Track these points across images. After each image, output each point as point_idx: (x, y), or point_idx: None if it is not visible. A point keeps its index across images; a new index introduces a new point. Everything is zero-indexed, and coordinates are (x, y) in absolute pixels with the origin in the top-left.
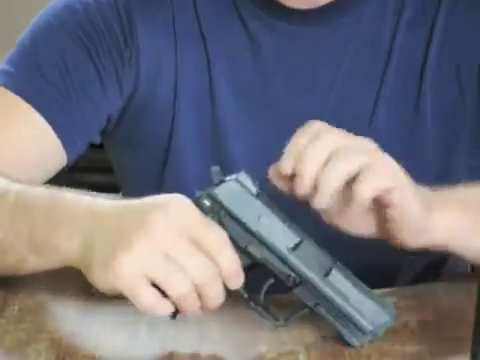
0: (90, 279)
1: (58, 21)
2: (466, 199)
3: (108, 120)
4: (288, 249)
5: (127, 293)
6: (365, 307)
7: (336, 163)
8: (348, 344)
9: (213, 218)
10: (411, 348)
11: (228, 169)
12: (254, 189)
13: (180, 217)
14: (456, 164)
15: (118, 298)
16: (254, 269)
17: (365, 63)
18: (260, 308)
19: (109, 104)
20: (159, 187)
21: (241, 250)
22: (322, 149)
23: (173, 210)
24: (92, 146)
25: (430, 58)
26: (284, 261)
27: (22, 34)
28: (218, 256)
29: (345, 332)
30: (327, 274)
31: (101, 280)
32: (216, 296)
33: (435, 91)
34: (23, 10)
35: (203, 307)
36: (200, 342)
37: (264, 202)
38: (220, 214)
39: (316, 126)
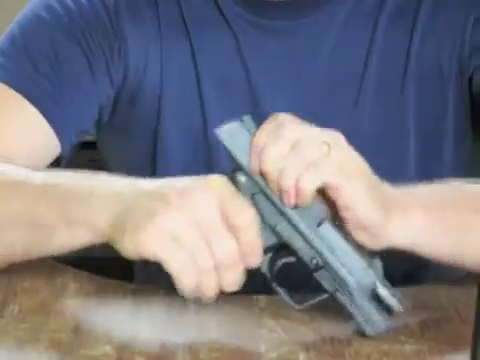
0: (119, 244)
1: (47, 12)
2: (429, 199)
3: (100, 111)
4: (313, 229)
5: (156, 252)
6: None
7: (290, 162)
8: (363, 333)
9: (246, 194)
10: (411, 348)
11: (216, 165)
12: None
13: (218, 192)
14: (438, 160)
15: (118, 297)
16: (280, 250)
17: (346, 53)
18: (282, 290)
19: (100, 94)
20: None
21: (270, 228)
22: (278, 146)
23: (214, 185)
24: (86, 147)
25: (414, 46)
26: (309, 243)
27: (11, 26)
28: (242, 234)
29: (361, 321)
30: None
31: (132, 243)
32: (234, 280)
33: (417, 85)
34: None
35: (220, 288)
36: (200, 342)
37: None
38: (253, 191)
39: (277, 120)
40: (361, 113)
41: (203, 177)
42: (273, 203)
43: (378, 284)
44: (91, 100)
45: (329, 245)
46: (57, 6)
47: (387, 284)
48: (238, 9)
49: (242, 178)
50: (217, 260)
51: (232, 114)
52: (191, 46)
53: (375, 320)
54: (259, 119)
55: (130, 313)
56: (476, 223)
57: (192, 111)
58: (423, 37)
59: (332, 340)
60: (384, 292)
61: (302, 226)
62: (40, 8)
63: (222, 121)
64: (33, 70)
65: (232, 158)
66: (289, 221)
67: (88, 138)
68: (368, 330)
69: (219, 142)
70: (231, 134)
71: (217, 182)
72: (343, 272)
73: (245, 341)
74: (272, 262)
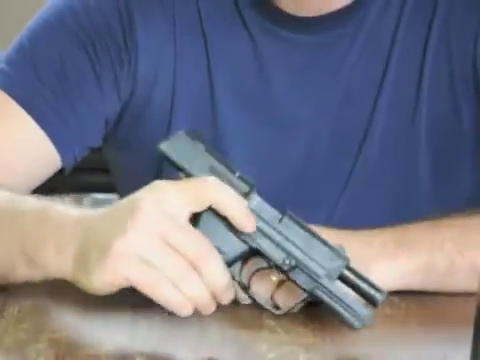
0: (88, 283)
1: (57, 20)
2: (420, 243)
3: (106, 123)
4: (275, 227)
5: (129, 277)
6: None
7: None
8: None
9: None
10: (411, 348)
11: None
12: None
13: (166, 207)
14: (454, 177)
15: (117, 298)
16: (250, 257)
17: (364, 71)
18: (258, 297)
19: (107, 107)
20: None
21: (235, 236)
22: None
23: (161, 199)
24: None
25: (427, 61)
26: (275, 242)
27: (21, 32)
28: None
29: (344, 314)
30: (280, 221)
31: (101, 277)
32: (216, 272)
33: (430, 104)
34: (21, 8)
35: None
36: (200, 342)
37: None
38: None
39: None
40: (375, 126)
41: (144, 191)
42: None
43: (344, 269)
44: (97, 112)
45: (294, 240)
46: (67, 14)
47: (359, 272)
48: (260, 20)
49: None
50: (189, 258)
51: (249, 124)
52: (207, 54)
53: (358, 311)
54: (278, 128)
55: (130, 313)
56: (461, 266)
57: (206, 121)
58: (437, 45)
59: (332, 340)
60: (351, 276)
61: (265, 226)
62: (51, 15)
63: (235, 132)
64: (37, 81)
65: (182, 170)
66: None
67: None
68: (355, 323)
69: (233, 151)
70: (174, 148)
71: (160, 191)
72: (313, 265)
73: (246, 341)
74: (243, 270)
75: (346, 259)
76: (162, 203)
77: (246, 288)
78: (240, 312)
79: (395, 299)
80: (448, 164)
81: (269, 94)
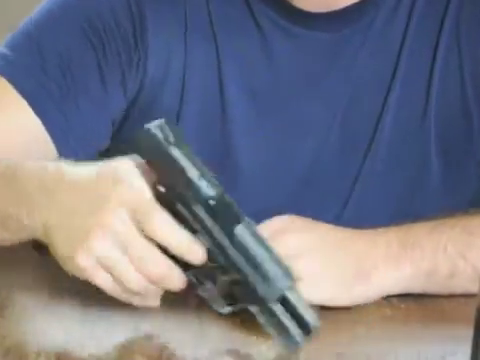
0: (60, 264)
1: (66, 12)
2: (424, 244)
3: (112, 122)
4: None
5: (94, 281)
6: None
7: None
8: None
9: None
10: (411, 348)
11: (236, 171)
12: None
13: (131, 205)
14: (464, 181)
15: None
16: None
17: (374, 69)
18: (207, 294)
19: (112, 106)
20: None
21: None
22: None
23: (124, 198)
24: None
25: (438, 60)
26: (225, 253)
27: (27, 18)
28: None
29: (274, 334)
30: (234, 232)
31: (70, 270)
32: (176, 285)
33: (439, 104)
34: (22, 9)
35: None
36: (200, 342)
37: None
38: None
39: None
40: (383, 125)
41: (113, 175)
42: (191, 212)
43: (287, 292)
44: (101, 111)
45: (244, 255)
46: (77, 7)
47: (300, 296)
48: (271, 16)
49: (162, 188)
50: (150, 277)
51: (258, 121)
52: (217, 51)
53: (292, 334)
54: (287, 126)
55: (130, 313)
56: (463, 269)
57: (215, 117)
58: (447, 49)
59: (332, 340)
60: (292, 300)
61: (218, 236)
62: (59, 6)
63: (245, 130)
64: (40, 71)
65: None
66: (205, 228)
67: None
68: (287, 345)
69: (241, 147)
70: (148, 145)
71: (126, 184)
72: (256, 283)
73: (245, 341)
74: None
75: (292, 281)
76: (124, 213)
77: (198, 285)
78: (240, 312)
79: (395, 300)
80: (457, 163)
81: (279, 92)
